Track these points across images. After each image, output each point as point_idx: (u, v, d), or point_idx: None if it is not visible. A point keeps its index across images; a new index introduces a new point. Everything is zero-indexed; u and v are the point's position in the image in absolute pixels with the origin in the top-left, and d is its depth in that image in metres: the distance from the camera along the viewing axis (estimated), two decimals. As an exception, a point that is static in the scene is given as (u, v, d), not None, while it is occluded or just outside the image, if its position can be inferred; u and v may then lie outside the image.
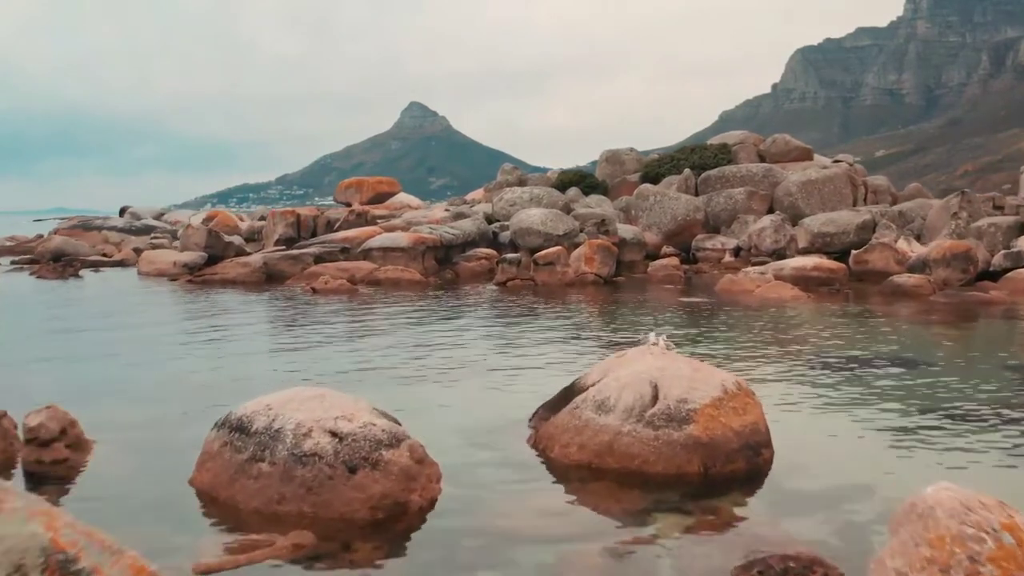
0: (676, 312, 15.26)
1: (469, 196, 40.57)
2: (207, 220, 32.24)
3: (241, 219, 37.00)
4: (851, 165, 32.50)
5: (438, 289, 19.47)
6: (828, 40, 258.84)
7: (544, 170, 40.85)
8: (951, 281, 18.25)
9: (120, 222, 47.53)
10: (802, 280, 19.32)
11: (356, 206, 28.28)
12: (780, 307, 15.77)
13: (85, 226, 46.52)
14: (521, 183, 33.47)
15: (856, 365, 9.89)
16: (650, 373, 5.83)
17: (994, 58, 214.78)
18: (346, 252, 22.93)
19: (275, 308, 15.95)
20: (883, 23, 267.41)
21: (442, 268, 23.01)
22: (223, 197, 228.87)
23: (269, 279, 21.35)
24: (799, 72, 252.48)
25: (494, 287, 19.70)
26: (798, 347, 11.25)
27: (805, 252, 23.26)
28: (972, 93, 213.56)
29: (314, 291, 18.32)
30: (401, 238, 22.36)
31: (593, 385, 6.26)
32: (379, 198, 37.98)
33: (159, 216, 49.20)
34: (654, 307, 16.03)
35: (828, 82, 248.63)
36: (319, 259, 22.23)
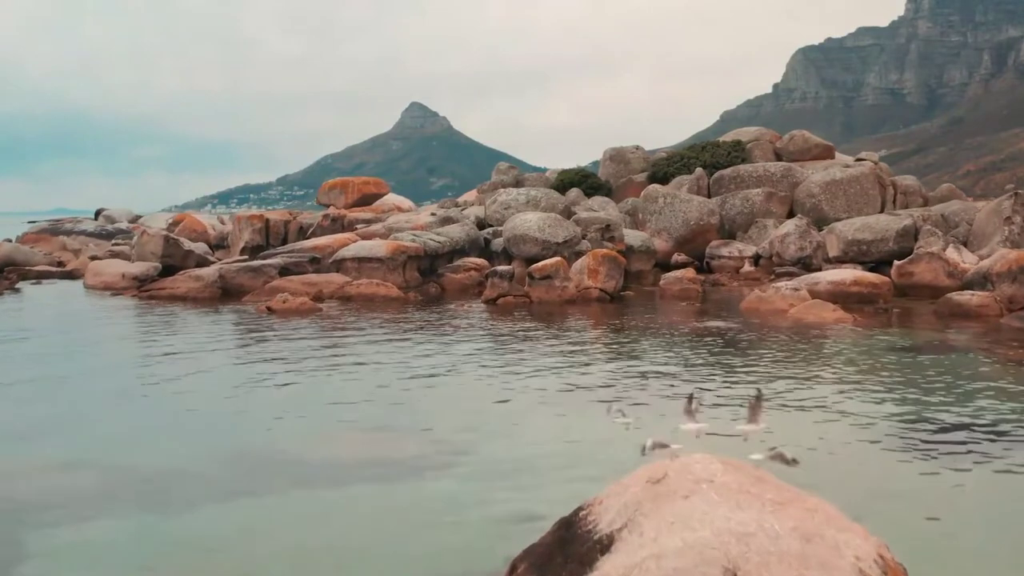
0: (700, 344, 12.51)
1: (462, 198, 37.83)
2: (174, 224, 29.53)
3: (222, 221, 34.23)
4: (876, 164, 29.82)
5: (417, 308, 16.71)
6: (829, 39, 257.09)
7: (544, 171, 38.06)
8: (1017, 299, 15.51)
9: (91, 226, 44.84)
10: (840, 297, 16.59)
11: (332, 210, 25.54)
12: (824, 334, 13.02)
13: (54, 230, 43.89)
14: (518, 184, 30.75)
15: (984, 446, 7.08)
16: (723, 547, 3.10)
17: (996, 57, 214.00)
18: (316, 263, 20.20)
19: (212, 337, 13.17)
20: (884, 22, 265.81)
21: (426, 280, 20.28)
22: (224, 198, 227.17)
23: (226, 294, 18.61)
24: (800, 72, 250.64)
25: (483, 305, 16.96)
26: (878, 410, 8.47)
27: (838, 262, 20.52)
28: (974, 92, 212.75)
29: (270, 311, 15.60)
30: (378, 247, 19.62)
31: (609, 540, 3.54)
32: (366, 200, 35.31)
33: (135, 220, 46.48)
34: (672, 336, 13.28)
35: (829, 82, 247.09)
36: (284, 271, 19.49)
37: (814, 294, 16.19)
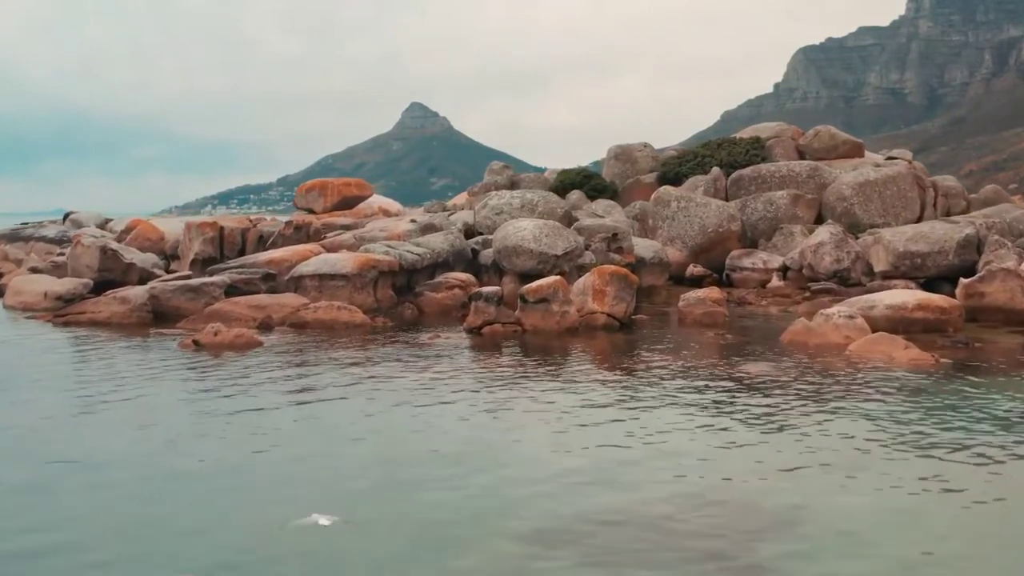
0: (745, 403, 9.41)
1: (452, 201, 34.70)
2: (126, 232, 26.44)
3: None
4: (910, 163, 26.83)
5: (383, 340, 13.57)
6: (830, 39, 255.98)
7: (543, 171, 34.80)
8: None
9: (53, 231, 41.81)
10: (902, 324, 13.54)
11: (297, 216, 22.44)
12: (906, 387, 9.92)
13: (12, 236, 40.99)
14: (512, 185, 27.71)
15: None
16: None
17: (997, 57, 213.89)
18: (271, 280, 17.10)
19: (95, 395, 9.97)
20: (885, 22, 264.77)
21: (402, 300, 17.22)
22: (224, 198, 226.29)
23: (160, 319, 15.50)
24: (801, 71, 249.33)
25: (464, 335, 13.86)
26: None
27: (885, 277, 17.49)
28: (975, 92, 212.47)
29: (197, 346, 12.50)
30: (344, 261, 16.52)
31: None
32: (347, 203, 32.32)
33: (104, 224, 43.38)
34: (706, 389, 10.18)
35: (830, 81, 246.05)
36: (232, 290, 16.39)
37: (869, 321, 13.14)
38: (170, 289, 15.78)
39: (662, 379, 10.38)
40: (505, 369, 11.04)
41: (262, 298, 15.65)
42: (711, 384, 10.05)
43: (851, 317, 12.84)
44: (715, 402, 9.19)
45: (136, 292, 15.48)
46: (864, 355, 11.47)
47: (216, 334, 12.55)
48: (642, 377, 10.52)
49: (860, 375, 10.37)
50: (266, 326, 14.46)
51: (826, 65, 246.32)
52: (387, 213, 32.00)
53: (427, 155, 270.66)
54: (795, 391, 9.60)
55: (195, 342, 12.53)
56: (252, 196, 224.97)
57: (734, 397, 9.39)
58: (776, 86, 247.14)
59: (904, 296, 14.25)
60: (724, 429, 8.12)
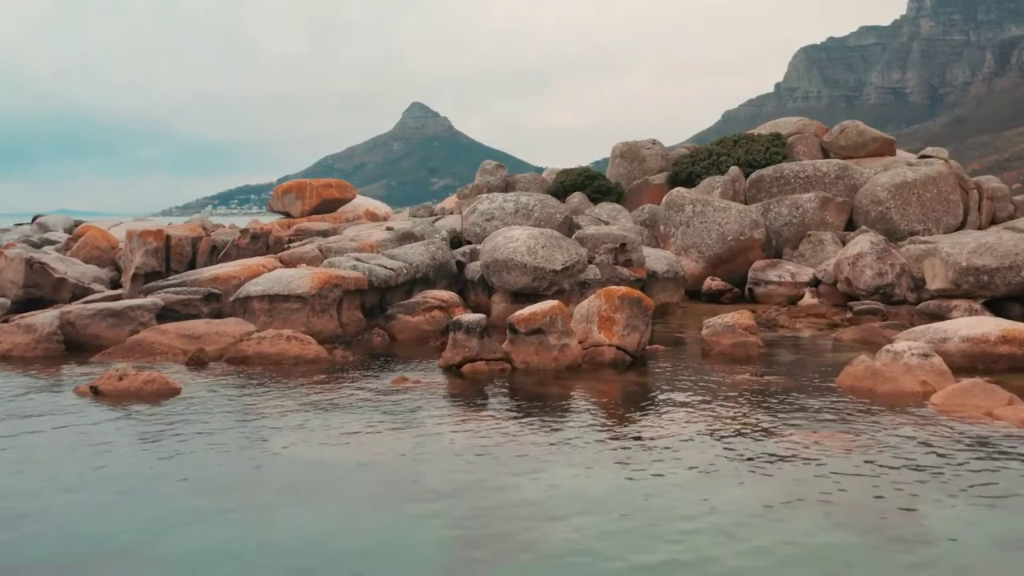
0: (825, 502, 6.73)
1: (440, 204, 31.97)
2: (73, 239, 23.76)
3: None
4: (946, 161, 24.22)
5: (338, 383, 10.84)
6: (831, 39, 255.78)
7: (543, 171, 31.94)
8: None
9: (16, 235, 39.02)
10: (982, 361, 10.93)
11: (254, 224, 19.72)
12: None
13: (-31, 242, 38.20)
14: (507, 187, 25.08)
15: None
16: None
17: (999, 56, 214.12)
18: (215, 301, 14.38)
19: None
20: (886, 21, 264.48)
21: (372, 323, 14.54)
22: (224, 198, 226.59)
23: (76, 349, 12.79)
24: (802, 71, 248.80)
25: (440, 375, 11.14)
26: None
27: (942, 296, 14.81)
28: (977, 91, 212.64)
29: (96, 394, 9.80)
30: (300, 279, 13.79)
31: None
32: (327, 206, 29.71)
33: (72, 228, 40.57)
34: (755, 468, 7.47)
35: (831, 81, 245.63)
36: (168, 314, 13.68)
37: (942, 356, 10.47)
38: (87, 314, 13.05)
39: (700, 450, 7.65)
40: (488, 435, 8.32)
41: (197, 325, 12.91)
42: (771, 464, 7.32)
43: (926, 356, 10.15)
44: (785, 498, 6.50)
45: (44, 318, 12.74)
46: (955, 412, 8.77)
47: (121, 378, 9.83)
48: (671, 446, 7.79)
49: (966, 447, 7.65)
50: (198, 361, 11.75)
51: (827, 64, 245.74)
52: (374, 217, 29.33)
53: (428, 155, 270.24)
54: (894, 479, 6.88)
55: (93, 388, 9.82)
56: (253, 196, 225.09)
57: (807, 485, 6.69)
58: (777, 86, 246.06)
59: (984, 325, 11.55)
60: (819, 551, 5.43)
